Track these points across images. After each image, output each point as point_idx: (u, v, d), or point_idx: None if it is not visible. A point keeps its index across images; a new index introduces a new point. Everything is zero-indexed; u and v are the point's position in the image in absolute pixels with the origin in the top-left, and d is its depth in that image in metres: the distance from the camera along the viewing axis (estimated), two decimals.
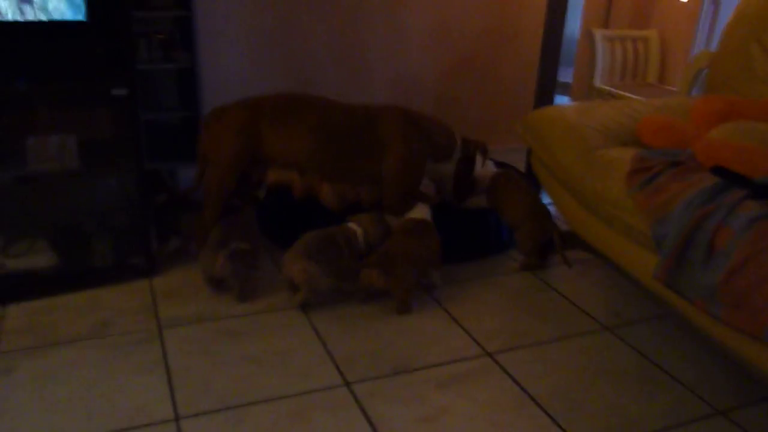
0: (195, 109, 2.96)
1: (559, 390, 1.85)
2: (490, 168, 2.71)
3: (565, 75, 3.19)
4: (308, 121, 2.29)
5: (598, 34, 3.69)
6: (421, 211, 2.39)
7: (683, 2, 3.55)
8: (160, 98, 3.09)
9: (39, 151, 2.25)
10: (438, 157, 2.46)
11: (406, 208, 2.39)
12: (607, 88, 3.63)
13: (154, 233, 2.46)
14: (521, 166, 3.14)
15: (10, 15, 2.01)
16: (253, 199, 2.53)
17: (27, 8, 2.04)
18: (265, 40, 3.25)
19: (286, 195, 2.64)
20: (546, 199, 2.84)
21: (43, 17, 2.05)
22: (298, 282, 2.15)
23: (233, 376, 1.84)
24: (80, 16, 2.08)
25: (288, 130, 2.29)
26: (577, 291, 2.42)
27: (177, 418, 1.66)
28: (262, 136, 2.29)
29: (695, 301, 1.64)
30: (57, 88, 2.15)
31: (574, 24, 3.07)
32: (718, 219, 1.62)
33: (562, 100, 3.23)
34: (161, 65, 2.92)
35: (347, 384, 1.83)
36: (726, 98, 2.37)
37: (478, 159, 2.58)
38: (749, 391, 1.87)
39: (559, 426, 1.70)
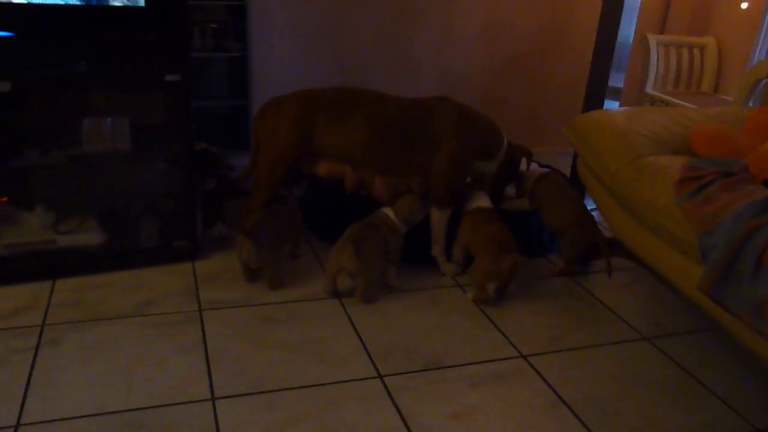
0: (245, 98, 3.02)
1: (593, 397, 1.83)
2: (536, 170, 2.68)
3: (617, 80, 3.13)
4: (363, 115, 2.32)
5: (653, 39, 3.62)
6: (484, 200, 2.46)
7: (743, 9, 3.45)
8: (211, 86, 3.15)
9: (93, 133, 2.32)
10: (484, 155, 2.45)
11: (452, 201, 2.39)
12: (660, 95, 3.56)
13: (200, 218, 2.51)
14: (567, 170, 3.10)
15: None
16: (291, 190, 2.55)
17: None
18: (315, 33, 3.28)
19: (328, 187, 2.66)
20: (590, 205, 2.81)
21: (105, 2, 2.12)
22: (349, 270, 2.17)
23: (269, 362, 1.87)
24: (139, 2, 2.13)
25: (343, 123, 2.32)
26: (617, 299, 2.38)
27: (213, 399, 1.70)
28: (317, 128, 2.32)
29: (739, 315, 1.60)
30: (114, 71, 2.22)
31: (628, 28, 3.00)
32: None
33: (612, 105, 3.17)
34: (214, 54, 2.97)
35: (380, 376, 1.85)
36: None
37: (522, 164, 2.57)
38: None
39: None
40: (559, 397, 1.81)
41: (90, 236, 2.36)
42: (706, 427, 1.74)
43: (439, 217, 2.41)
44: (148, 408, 1.65)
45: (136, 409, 1.64)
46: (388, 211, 2.32)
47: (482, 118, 2.45)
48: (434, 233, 2.43)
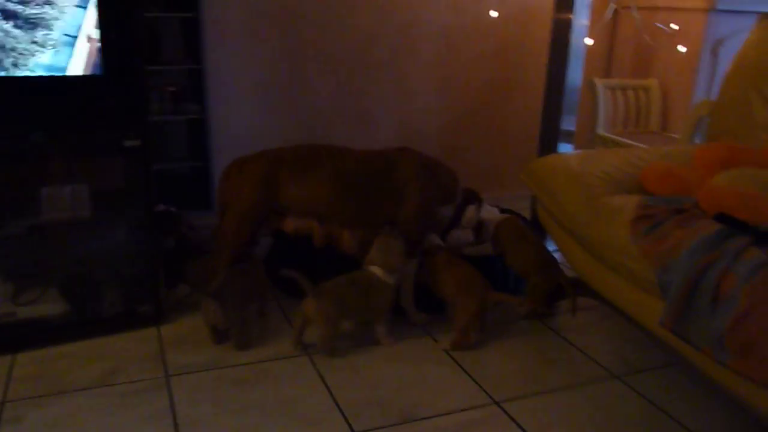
0: (205, 159, 3.02)
1: None
2: (495, 214, 2.73)
3: (569, 123, 3.24)
4: (325, 170, 2.35)
5: (600, 83, 3.76)
6: (437, 240, 2.53)
7: (682, 52, 3.62)
8: (171, 148, 3.16)
9: (52, 201, 2.29)
10: (446, 200, 2.49)
11: (417, 253, 2.41)
12: (611, 136, 3.68)
13: (163, 279, 2.48)
14: (527, 213, 3.16)
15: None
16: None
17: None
18: (273, 93, 3.33)
19: (295, 243, 2.67)
20: (552, 246, 2.86)
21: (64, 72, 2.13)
22: (311, 318, 2.18)
23: (240, 425, 1.83)
24: (97, 71, 2.15)
25: (306, 179, 2.34)
26: (585, 338, 2.41)
27: None
28: (282, 187, 2.34)
29: (702, 348, 1.63)
30: (72, 139, 2.21)
31: (576, 73, 3.13)
32: (723, 266, 1.63)
33: (566, 147, 3.27)
34: (172, 117, 2.99)
35: None
36: (727, 145, 2.40)
37: (473, 209, 2.61)
38: None
39: None
40: None
41: (51, 306, 2.31)
42: None
43: (410, 268, 2.42)
44: None
45: None
46: (375, 269, 2.30)
47: (441, 165, 2.50)
48: (403, 284, 2.44)
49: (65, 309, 2.31)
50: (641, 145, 3.33)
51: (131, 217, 2.40)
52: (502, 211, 2.92)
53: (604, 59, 4.08)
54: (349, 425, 1.86)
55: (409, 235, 2.38)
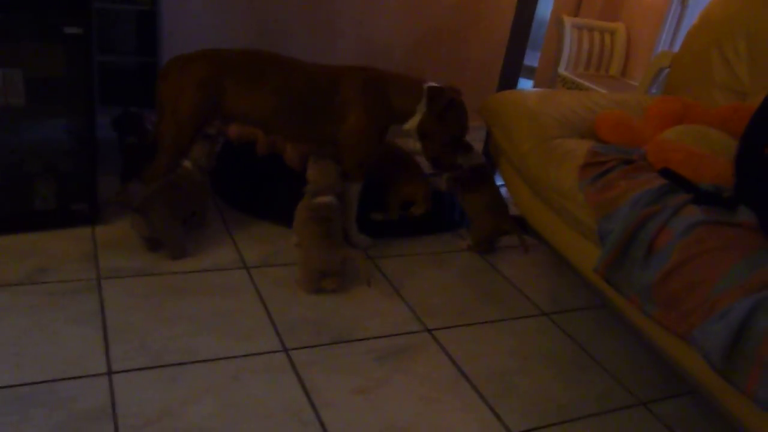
0: (154, 54, 2.86)
1: (494, 371, 1.90)
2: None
3: (532, 59, 3.19)
4: (273, 81, 2.25)
5: (568, 21, 3.70)
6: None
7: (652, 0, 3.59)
8: (118, 40, 2.98)
9: None
10: (399, 117, 2.36)
11: (362, 173, 2.37)
12: (571, 76, 3.66)
13: (118, 174, 2.46)
14: (480, 146, 3.15)
15: None
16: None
17: None
18: None
19: (240, 154, 2.60)
20: (499, 181, 2.88)
21: None
22: (335, 270, 2.14)
23: (171, 334, 1.82)
24: None
25: (252, 88, 2.24)
26: (521, 275, 2.47)
27: (110, 372, 1.64)
28: (226, 93, 2.23)
29: (630, 298, 1.69)
30: (6, 20, 2.04)
31: (545, 7, 3.06)
32: (661, 220, 1.67)
33: (526, 84, 3.24)
34: (121, 5, 2.80)
35: (286, 350, 1.84)
36: (682, 100, 2.42)
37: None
38: (672, 385, 1.96)
39: (489, 406, 1.75)
40: (461, 372, 1.87)
41: None
42: (596, 399, 1.85)
43: (353, 191, 2.38)
44: (40, 383, 1.57)
45: (27, 384, 1.56)
46: (331, 200, 2.25)
47: (394, 81, 2.34)
48: (347, 207, 2.41)
49: None
50: (600, 90, 3.33)
51: (69, 109, 2.28)
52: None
53: None
54: (282, 342, 1.87)
55: (348, 157, 2.32)
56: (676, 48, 2.93)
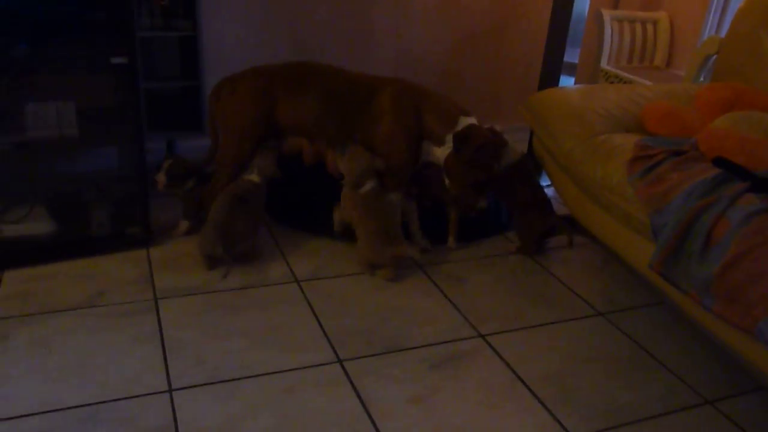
0: (196, 78, 2.93)
1: (550, 374, 1.86)
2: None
3: (572, 55, 3.14)
4: (316, 88, 2.32)
5: (607, 14, 3.63)
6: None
7: None
8: (161, 66, 3.06)
9: (38, 118, 2.23)
10: (432, 139, 2.33)
11: (396, 184, 2.36)
12: (614, 70, 3.59)
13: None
14: (524, 146, 3.12)
15: None
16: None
17: None
18: (268, 9, 3.20)
19: (284, 170, 2.64)
20: (545, 181, 2.84)
21: None
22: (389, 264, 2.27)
23: (227, 350, 1.85)
24: None
25: (299, 97, 2.33)
26: (573, 275, 2.42)
27: (170, 390, 1.68)
28: (277, 104, 2.33)
29: (689, 293, 1.64)
30: (57, 54, 2.13)
31: (583, 2, 3.01)
32: (718, 211, 1.62)
33: (568, 80, 3.18)
34: (162, 33, 2.88)
35: (340, 361, 1.85)
36: (733, 86, 2.34)
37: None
38: (738, 382, 1.89)
39: (548, 410, 1.71)
40: (517, 376, 1.84)
41: (38, 225, 2.29)
42: (659, 399, 1.80)
43: (390, 200, 2.36)
44: (103, 402, 1.62)
45: (91, 404, 1.61)
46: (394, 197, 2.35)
47: (431, 97, 2.33)
48: (407, 212, 2.46)
49: (53, 228, 2.29)
50: (645, 82, 3.25)
51: (119, 137, 2.35)
52: None
53: None
54: (336, 353, 1.88)
55: (386, 163, 2.34)
56: (723, 33, 2.84)
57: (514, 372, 1.86)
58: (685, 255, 1.66)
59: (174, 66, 3.08)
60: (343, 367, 1.82)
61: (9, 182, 2.32)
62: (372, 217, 2.26)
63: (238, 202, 2.27)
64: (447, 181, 2.32)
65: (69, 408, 1.59)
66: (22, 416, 1.56)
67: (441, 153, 2.31)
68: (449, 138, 2.26)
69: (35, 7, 2.05)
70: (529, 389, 1.79)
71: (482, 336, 2.02)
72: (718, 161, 1.82)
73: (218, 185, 2.37)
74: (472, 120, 2.29)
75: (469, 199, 2.28)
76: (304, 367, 1.81)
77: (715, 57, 2.81)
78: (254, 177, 2.36)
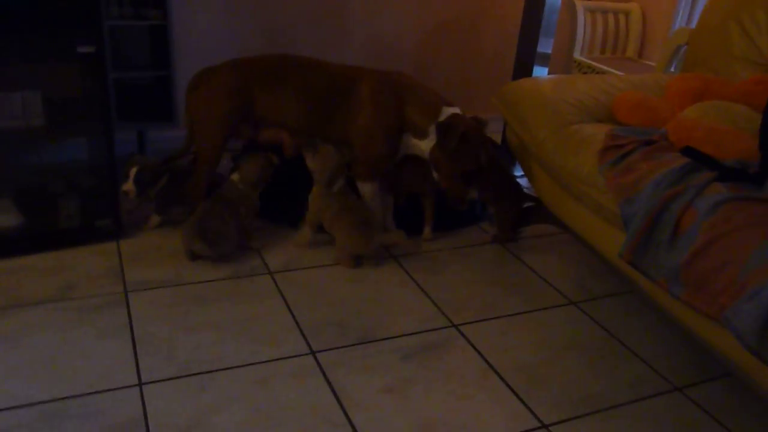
0: (167, 67, 2.89)
1: (523, 363, 1.87)
2: None
3: (546, 45, 3.16)
4: (295, 82, 2.30)
5: (580, 5, 3.65)
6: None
7: None
8: (131, 56, 3.01)
9: (3, 107, 2.18)
10: (414, 132, 2.32)
11: (373, 174, 2.36)
12: (587, 60, 3.61)
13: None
14: (498, 137, 3.13)
15: None
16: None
17: None
18: None
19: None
20: (518, 172, 2.85)
21: None
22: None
23: (198, 343, 1.83)
24: None
25: (277, 90, 2.30)
26: (546, 265, 2.44)
27: (141, 384, 1.66)
28: (254, 97, 2.30)
29: (658, 281, 1.66)
30: (21, 43, 2.08)
31: None
32: (686, 200, 1.63)
33: (541, 71, 3.20)
34: (132, 21, 2.83)
35: (313, 353, 1.84)
36: (702, 77, 2.36)
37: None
38: (706, 369, 1.92)
39: (520, 399, 1.73)
40: (490, 366, 1.85)
41: (5, 217, 2.24)
42: (629, 387, 1.82)
43: (366, 191, 2.39)
44: (72, 397, 1.59)
45: (59, 399, 1.58)
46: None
47: (412, 88, 2.31)
48: (374, 202, 2.43)
49: (20, 221, 2.25)
50: (617, 72, 3.27)
51: (88, 128, 2.31)
52: None
53: None
54: (308, 344, 1.87)
55: (358, 155, 2.33)
56: (694, 25, 2.87)
57: (486, 361, 1.87)
58: (654, 244, 1.67)
59: (144, 55, 3.03)
60: (316, 359, 1.81)
61: None
62: (350, 211, 2.26)
63: (219, 202, 2.24)
64: (435, 174, 2.30)
65: (37, 403, 1.57)
66: None
67: (425, 146, 2.29)
68: (432, 129, 2.23)
69: None
70: (502, 378, 1.80)
71: (455, 326, 2.03)
72: (687, 151, 1.84)
73: (200, 178, 2.35)
74: (455, 110, 2.27)
75: (458, 191, 2.25)
76: (277, 359, 1.80)
77: (685, 47, 2.83)
78: (235, 176, 2.33)
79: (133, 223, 2.44)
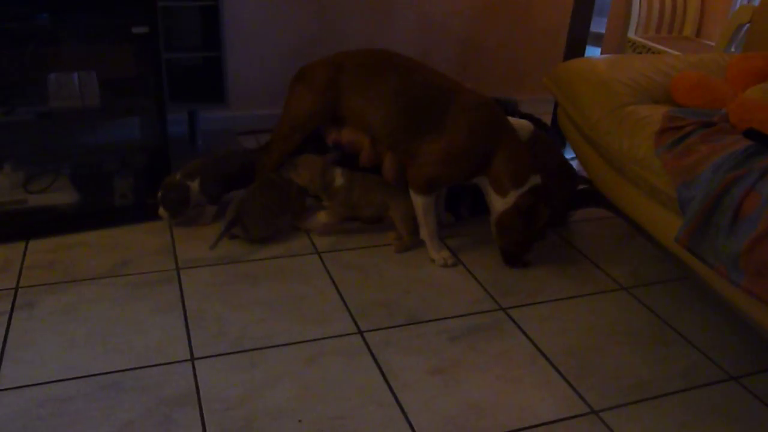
0: (218, 49, 2.92)
1: (572, 348, 1.85)
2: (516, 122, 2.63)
3: (599, 25, 3.08)
4: (388, 86, 2.17)
5: None
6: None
7: None
8: (182, 37, 3.05)
9: (60, 88, 2.24)
10: (494, 184, 2.15)
11: (427, 190, 2.18)
12: (642, 40, 3.50)
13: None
14: (548, 118, 3.07)
15: None
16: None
17: None
18: None
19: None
20: (569, 154, 2.80)
21: None
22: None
23: (248, 320, 1.86)
24: None
25: (367, 91, 2.20)
26: (596, 249, 2.39)
27: (192, 359, 1.70)
28: (342, 95, 2.24)
29: (716, 267, 1.61)
30: (78, 24, 2.13)
31: None
32: (748, 184, 1.57)
33: (594, 51, 3.12)
34: (184, 2, 2.86)
35: (360, 332, 1.85)
36: (765, 56, 2.27)
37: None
38: (764, 359, 1.86)
39: (569, 383, 1.70)
40: (538, 350, 1.83)
41: (62, 195, 2.31)
42: (682, 375, 1.77)
43: (418, 203, 2.20)
44: (126, 370, 1.64)
45: (114, 371, 1.63)
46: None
47: (512, 144, 2.13)
48: (419, 218, 2.25)
49: (77, 198, 2.31)
50: (674, 52, 3.17)
51: (142, 107, 2.36)
52: (522, 116, 2.82)
53: None
54: (356, 324, 1.88)
55: (421, 169, 2.15)
56: (757, 2, 2.75)
57: (535, 345, 1.85)
58: (713, 229, 1.62)
59: (196, 36, 3.06)
60: (363, 338, 1.82)
61: (32, 152, 2.34)
62: (366, 195, 2.27)
63: (265, 186, 2.26)
64: (493, 231, 2.21)
65: (92, 375, 1.62)
66: (46, 383, 1.58)
67: (499, 204, 2.15)
68: (513, 195, 2.11)
69: None
70: (551, 363, 1.78)
71: (503, 309, 2.01)
72: (750, 133, 1.77)
73: (269, 161, 2.36)
74: (536, 179, 2.14)
75: (516, 253, 2.22)
76: (325, 338, 1.81)
77: (747, 26, 2.72)
78: (291, 172, 2.34)
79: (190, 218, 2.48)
